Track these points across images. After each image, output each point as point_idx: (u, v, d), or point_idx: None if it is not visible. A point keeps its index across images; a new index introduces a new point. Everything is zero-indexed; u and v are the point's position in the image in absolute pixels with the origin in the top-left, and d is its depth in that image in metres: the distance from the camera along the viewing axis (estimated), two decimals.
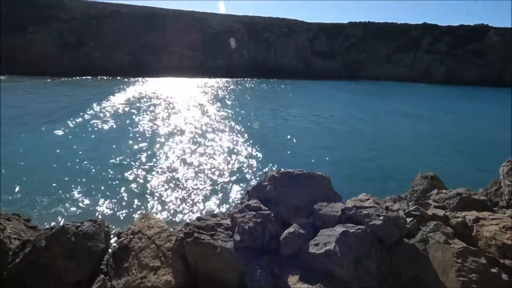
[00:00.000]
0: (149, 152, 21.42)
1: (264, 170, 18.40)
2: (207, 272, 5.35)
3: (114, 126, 29.17)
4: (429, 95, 76.33)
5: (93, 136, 25.43)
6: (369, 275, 4.68)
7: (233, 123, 32.07)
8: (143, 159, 19.91)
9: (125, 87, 62.24)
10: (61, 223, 6.69)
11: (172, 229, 6.57)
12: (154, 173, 17.71)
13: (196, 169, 18.61)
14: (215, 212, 6.88)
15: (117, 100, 44.68)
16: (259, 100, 52.96)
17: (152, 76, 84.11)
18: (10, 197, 13.80)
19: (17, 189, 14.62)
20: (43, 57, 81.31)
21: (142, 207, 13.60)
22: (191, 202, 14.37)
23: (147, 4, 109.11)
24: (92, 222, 6.71)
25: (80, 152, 20.86)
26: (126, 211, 13.31)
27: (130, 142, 23.88)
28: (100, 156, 20.10)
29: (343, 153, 23.34)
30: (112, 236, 7.27)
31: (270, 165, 19.60)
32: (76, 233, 6.29)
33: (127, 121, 31.21)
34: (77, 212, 12.92)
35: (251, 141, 25.18)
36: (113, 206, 13.68)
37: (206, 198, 14.84)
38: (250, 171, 18.84)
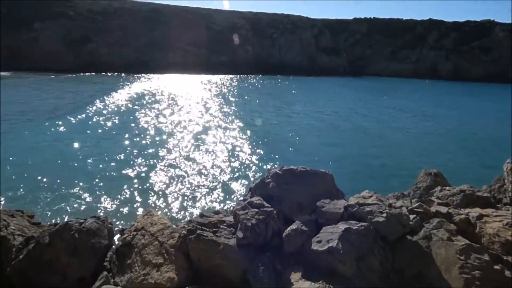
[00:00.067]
0: (152, 149, 21.47)
1: (267, 167, 18.39)
2: (210, 269, 5.35)
3: (118, 122, 29.25)
4: (434, 91, 75.95)
5: (96, 132, 25.52)
6: (372, 272, 4.67)
7: (236, 120, 32.06)
8: (146, 156, 19.96)
9: (129, 83, 62.39)
10: (65, 220, 6.73)
11: (175, 226, 6.58)
12: (157, 169, 17.75)
13: (199, 166, 18.64)
14: (217, 209, 6.88)
15: (121, 97, 44.79)
16: (263, 96, 52.89)
17: (156, 73, 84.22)
18: (14, 194, 13.89)
19: (20, 185, 14.71)
20: (49, 53, 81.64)
21: (145, 204, 13.64)
22: (193, 199, 14.40)
23: (151, 1, 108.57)
24: (95, 219, 6.73)
25: (84, 148, 20.96)
26: (129, 207, 13.37)
27: (134, 138, 23.96)
28: (103, 153, 20.18)
29: (346, 150, 23.29)
30: (115, 232, 7.29)
31: (273, 162, 19.60)
32: (80, 229, 6.32)
33: (131, 118, 31.29)
34: (81, 209, 12.99)
35: (254, 138, 25.17)
36: (116, 202, 13.74)
37: (208, 195, 14.87)
38: (252, 168, 18.85)
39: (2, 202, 12.89)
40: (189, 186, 15.74)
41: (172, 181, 16.23)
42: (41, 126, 26.34)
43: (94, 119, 29.98)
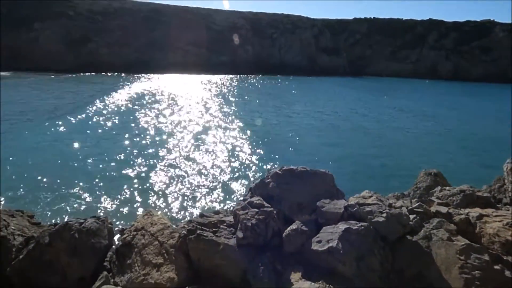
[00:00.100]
0: (152, 149, 21.48)
1: (267, 167, 18.40)
2: (210, 269, 5.35)
3: (118, 122, 29.25)
4: (434, 91, 75.95)
5: (96, 132, 25.53)
6: (372, 272, 4.67)
7: (236, 120, 32.06)
8: (146, 156, 19.96)
9: (129, 83, 62.40)
10: (65, 220, 6.73)
11: (175, 226, 6.58)
12: (157, 169, 17.75)
13: (199, 166, 18.64)
14: (217, 209, 6.88)
15: (121, 97, 44.80)
16: (263, 96, 52.89)
17: (156, 73, 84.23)
18: (14, 193, 13.89)
19: (20, 185, 14.71)
20: (48, 53, 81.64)
21: (145, 204, 13.64)
22: (193, 199, 14.41)
23: (151, 1, 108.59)
24: (95, 219, 6.73)
25: (84, 148, 20.97)
26: (129, 207, 13.37)
27: (134, 138, 23.96)
28: (103, 153, 20.19)
29: (346, 150, 23.29)
30: (115, 232, 7.29)
31: (273, 162, 19.60)
32: (80, 229, 6.32)
33: (131, 118, 31.29)
34: (81, 209, 13.00)
35: (254, 138, 25.17)
36: (116, 202, 13.74)
37: (208, 195, 14.87)
38: (252, 168, 18.85)
39: (2, 202, 12.90)
40: (189, 186, 15.74)
41: (172, 181, 16.23)
42: (41, 126, 26.35)
43: (94, 119, 29.98)
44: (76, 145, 21.69)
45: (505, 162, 6.81)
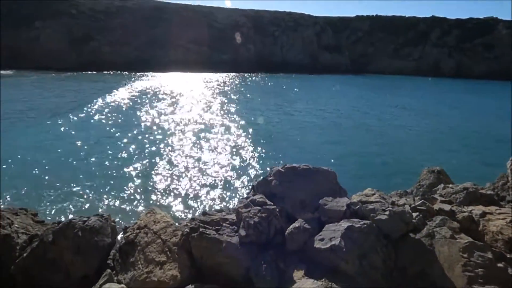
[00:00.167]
0: (155, 147, 21.51)
1: (270, 165, 18.38)
2: (213, 267, 5.37)
3: (119, 120, 29.30)
4: (436, 89, 75.70)
5: (99, 130, 25.57)
6: (375, 270, 4.67)
7: (238, 118, 32.05)
8: (149, 154, 20.00)
9: (131, 82, 62.44)
10: (68, 218, 6.77)
11: (177, 224, 6.60)
12: (159, 168, 17.78)
13: (202, 164, 18.66)
14: (220, 207, 6.89)
15: (123, 95, 44.84)
16: (264, 95, 52.83)
17: (158, 71, 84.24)
18: (18, 192, 13.94)
19: (24, 183, 14.76)
20: (50, 52, 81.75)
21: (148, 202, 13.67)
22: (196, 197, 14.43)
23: None
24: (98, 217, 6.76)
25: (86, 147, 21.01)
26: (132, 206, 13.40)
27: (136, 137, 23.99)
28: (106, 151, 20.23)
29: (349, 148, 23.26)
30: (118, 230, 7.32)
31: (275, 160, 19.59)
32: (83, 227, 6.35)
33: (133, 116, 31.33)
34: (84, 207, 13.04)
35: (256, 136, 25.17)
36: (119, 201, 13.78)
37: (211, 193, 14.89)
38: (255, 166, 18.86)
39: (7, 200, 12.95)
40: (191, 184, 15.77)
41: (174, 179, 16.26)
42: (43, 124, 26.42)
43: (96, 118, 30.03)
44: (78, 143, 21.74)
45: (508, 159, 6.80)
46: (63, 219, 10.33)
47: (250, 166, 18.75)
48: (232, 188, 15.65)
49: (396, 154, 22.02)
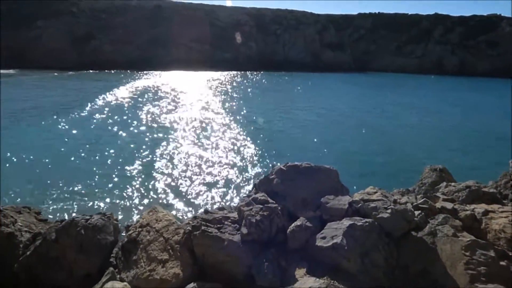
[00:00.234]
0: (157, 146, 21.54)
1: (271, 163, 18.39)
2: (215, 265, 5.38)
3: (122, 119, 29.35)
4: (439, 87, 75.40)
5: (100, 129, 25.63)
6: (377, 268, 4.67)
7: (240, 117, 32.06)
8: (151, 152, 20.04)
9: (132, 80, 62.52)
10: (71, 216, 6.80)
11: (180, 222, 6.60)
12: (162, 166, 17.82)
13: (203, 163, 18.68)
14: (222, 206, 6.89)
15: (125, 94, 44.92)
16: (266, 93, 52.81)
17: (160, 69, 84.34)
18: (21, 190, 14.00)
19: (27, 182, 14.83)
20: (52, 51, 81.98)
21: (150, 200, 13.71)
22: (198, 195, 14.46)
23: None
24: (101, 215, 6.77)
25: (88, 145, 21.07)
26: (135, 204, 13.44)
27: (138, 135, 24.05)
28: (108, 149, 20.28)
29: (351, 146, 23.23)
30: (120, 229, 7.33)
31: (277, 158, 19.58)
32: (86, 226, 6.36)
33: (135, 115, 31.39)
34: (86, 205, 13.08)
35: (258, 135, 25.18)
36: (122, 199, 13.82)
37: (213, 192, 14.91)
38: (257, 164, 18.86)
39: (10, 199, 13.00)
40: (193, 182, 15.79)
41: (176, 177, 16.29)
42: (45, 123, 26.51)
43: (98, 116, 30.10)
44: (80, 142, 21.80)
45: (511, 157, 6.77)
46: (66, 217, 10.39)
47: (252, 164, 18.76)
48: (234, 186, 15.67)
49: (398, 152, 21.98)
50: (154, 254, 5.77)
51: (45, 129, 24.73)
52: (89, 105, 35.14)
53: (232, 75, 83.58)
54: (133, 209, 12.98)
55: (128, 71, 79.64)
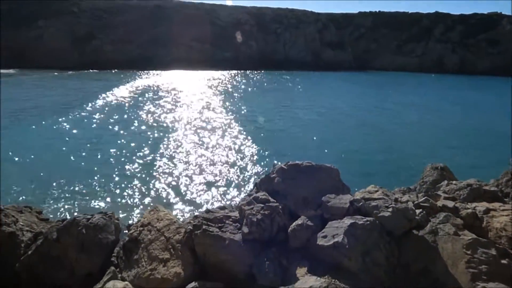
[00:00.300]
0: (158, 145, 21.54)
1: (272, 162, 18.35)
2: (216, 264, 5.38)
3: (122, 118, 29.36)
4: (440, 86, 75.28)
5: (101, 128, 25.63)
6: (378, 266, 4.67)
7: (241, 116, 32.04)
8: (152, 152, 20.03)
9: (133, 80, 62.51)
10: (73, 216, 6.81)
11: (181, 221, 6.61)
12: (163, 165, 17.82)
13: (204, 162, 18.67)
14: (223, 205, 6.89)
15: (125, 93, 44.92)
16: (267, 92, 52.78)
17: (161, 69, 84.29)
18: (22, 190, 14.01)
19: (28, 181, 14.83)
20: (53, 50, 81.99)
21: (151, 200, 13.71)
22: (199, 195, 14.45)
23: None
24: (102, 215, 6.78)
25: (88, 145, 21.08)
26: (136, 203, 13.44)
27: (139, 134, 24.05)
28: (109, 149, 20.28)
29: (351, 145, 23.20)
30: (122, 228, 7.34)
31: (278, 157, 19.56)
32: (87, 225, 6.37)
33: (135, 114, 31.38)
34: (88, 205, 13.08)
35: (258, 134, 25.17)
36: (123, 198, 13.83)
37: (214, 191, 14.91)
38: (257, 163, 18.85)
39: (12, 198, 13.01)
40: (194, 182, 15.79)
41: (177, 177, 16.29)
42: (46, 123, 26.51)
43: (99, 116, 30.10)
44: (82, 141, 21.81)
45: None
46: (67, 216, 10.40)
47: (253, 163, 18.75)
48: (234, 185, 15.67)
49: (399, 151, 21.95)
50: (155, 253, 5.78)
51: (45, 129, 24.74)
52: (90, 104, 35.14)
53: (232, 74, 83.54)
54: (134, 209, 12.99)
55: (129, 70, 79.57)
